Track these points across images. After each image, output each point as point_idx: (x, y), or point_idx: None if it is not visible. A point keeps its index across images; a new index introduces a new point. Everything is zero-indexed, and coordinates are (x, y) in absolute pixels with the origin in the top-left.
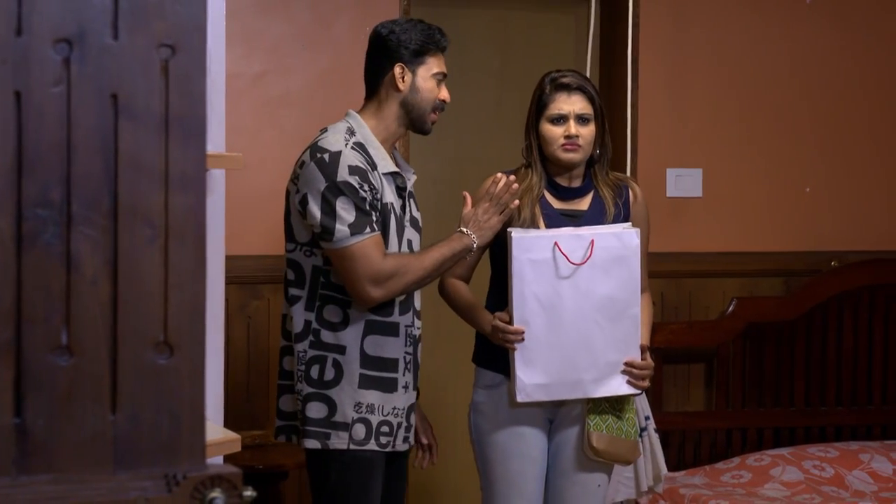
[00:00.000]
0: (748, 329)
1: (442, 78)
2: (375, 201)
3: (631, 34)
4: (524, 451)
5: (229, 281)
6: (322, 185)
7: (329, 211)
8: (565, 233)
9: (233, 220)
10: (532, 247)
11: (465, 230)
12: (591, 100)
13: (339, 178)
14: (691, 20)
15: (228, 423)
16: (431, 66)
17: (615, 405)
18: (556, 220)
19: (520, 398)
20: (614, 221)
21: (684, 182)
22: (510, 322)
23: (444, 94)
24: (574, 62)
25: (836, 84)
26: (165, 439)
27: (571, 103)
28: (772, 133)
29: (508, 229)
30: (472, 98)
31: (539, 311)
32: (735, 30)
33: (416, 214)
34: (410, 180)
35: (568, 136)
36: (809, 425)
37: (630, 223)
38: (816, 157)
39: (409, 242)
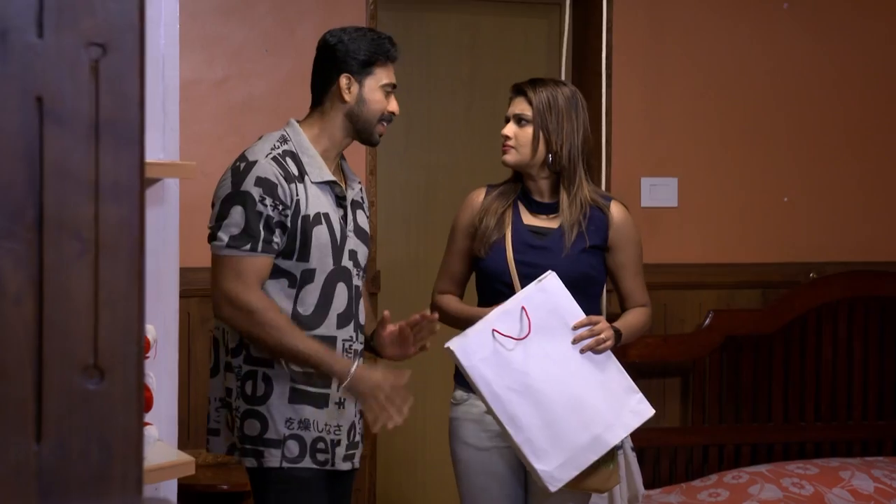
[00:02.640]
0: (725, 342)
1: (391, 89)
2: (283, 217)
3: (605, 40)
4: (490, 468)
5: (191, 294)
6: (226, 191)
7: (221, 216)
8: (495, 315)
9: (193, 230)
10: (475, 348)
11: (355, 367)
12: (528, 101)
13: (242, 188)
14: (666, 26)
15: (193, 441)
16: (380, 77)
17: None
18: (521, 234)
19: (554, 488)
20: (575, 246)
21: (659, 191)
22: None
23: (393, 105)
24: (546, 68)
25: (814, 91)
26: (95, 471)
27: (514, 105)
28: (749, 141)
29: (446, 345)
30: (441, 105)
31: (518, 400)
32: (711, 36)
33: (364, 225)
34: (354, 189)
35: (504, 136)
36: (788, 441)
37: (606, 247)
38: (794, 165)
39: (353, 253)
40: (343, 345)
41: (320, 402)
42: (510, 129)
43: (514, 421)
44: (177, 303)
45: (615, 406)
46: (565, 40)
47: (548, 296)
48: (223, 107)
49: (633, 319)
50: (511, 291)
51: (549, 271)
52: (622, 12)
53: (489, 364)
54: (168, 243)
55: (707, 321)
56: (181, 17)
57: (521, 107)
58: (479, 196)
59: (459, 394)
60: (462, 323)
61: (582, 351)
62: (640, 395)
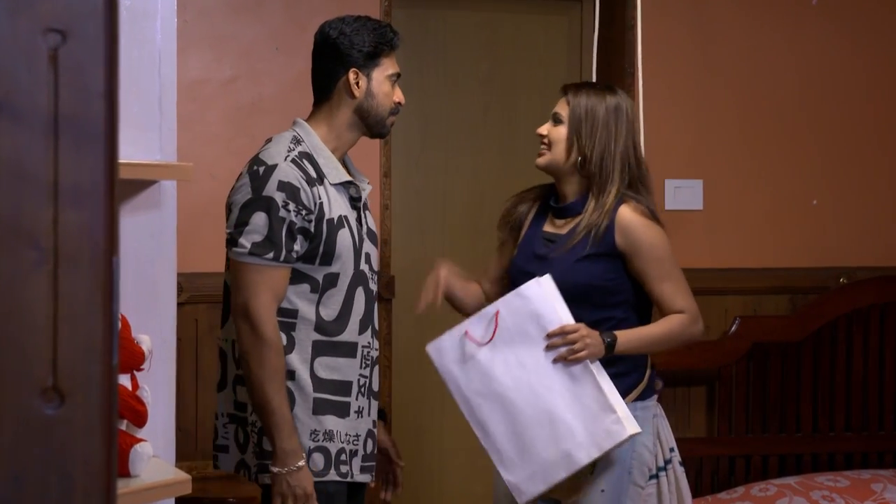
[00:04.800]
0: (752, 350)
1: (396, 79)
2: (306, 223)
3: (628, 39)
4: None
5: (199, 300)
6: (247, 196)
7: (242, 222)
8: (472, 318)
9: (200, 234)
10: (447, 349)
11: (302, 462)
12: (567, 102)
13: (265, 193)
14: (691, 24)
15: (201, 452)
16: (386, 68)
17: None
18: (532, 241)
19: (522, 500)
20: (571, 254)
21: (684, 194)
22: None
23: (399, 95)
24: (566, 67)
25: (844, 91)
26: None
27: (556, 105)
28: (776, 142)
29: (427, 346)
30: (458, 105)
31: (487, 405)
32: (737, 34)
33: (373, 226)
34: (365, 190)
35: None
36: (817, 452)
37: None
38: (823, 167)
39: (368, 256)
40: (362, 351)
41: (343, 411)
42: (546, 126)
43: (483, 426)
44: (174, 311)
45: (589, 423)
46: (595, 38)
47: (525, 301)
48: (232, 107)
49: (652, 327)
50: None
51: (546, 275)
52: (646, 11)
53: (459, 366)
54: (165, 248)
55: (733, 328)
56: (189, 15)
57: (560, 106)
58: (512, 200)
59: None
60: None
61: (554, 361)
62: (617, 416)
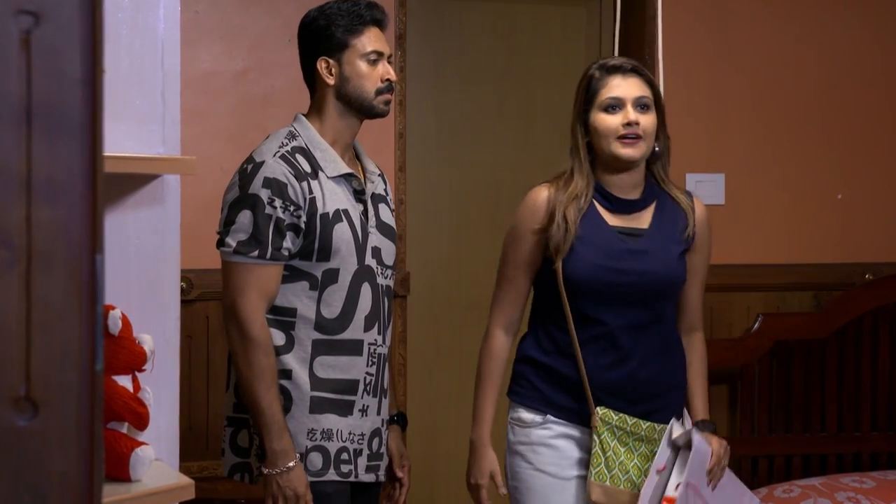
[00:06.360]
0: (775, 348)
1: (376, 57)
2: (295, 219)
3: (649, 31)
4: (570, 499)
5: (210, 297)
6: (235, 195)
7: (229, 221)
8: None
9: (210, 230)
10: None
11: (294, 463)
12: (649, 83)
13: (250, 190)
14: (713, 15)
15: (212, 452)
16: (359, 48)
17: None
18: (608, 237)
19: None
20: (673, 247)
21: (705, 188)
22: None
23: (382, 71)
24: (584, 59)
25: (868, 82)
26: None
27: (629, 86)
28: (800, 135)
29: None
30: (474, 98)
31: None
32: (757, 25)
33: (388, 220)
34: (374, 182)
35: (627, 125)
36: (843, 452)
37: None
38: (848, 160)
39: (377, 251)
40: (368, 349)
41: (344, 409)
42: (634, 114)
43: None
44: (177, 309)
45: None
46: (617, 30)
47: (695, 454)
48: (243, 100)
49: (703, 383)
50: (596, 305)
51: (692, 428)
52: (666, 2)
53: None
54: (167, 245)
55: (756, 325)
56: (200, 6)
57: (641, 89)
58: (543, 193)
59: (529, 416)
60: (476, 388)
61: (715, 486)
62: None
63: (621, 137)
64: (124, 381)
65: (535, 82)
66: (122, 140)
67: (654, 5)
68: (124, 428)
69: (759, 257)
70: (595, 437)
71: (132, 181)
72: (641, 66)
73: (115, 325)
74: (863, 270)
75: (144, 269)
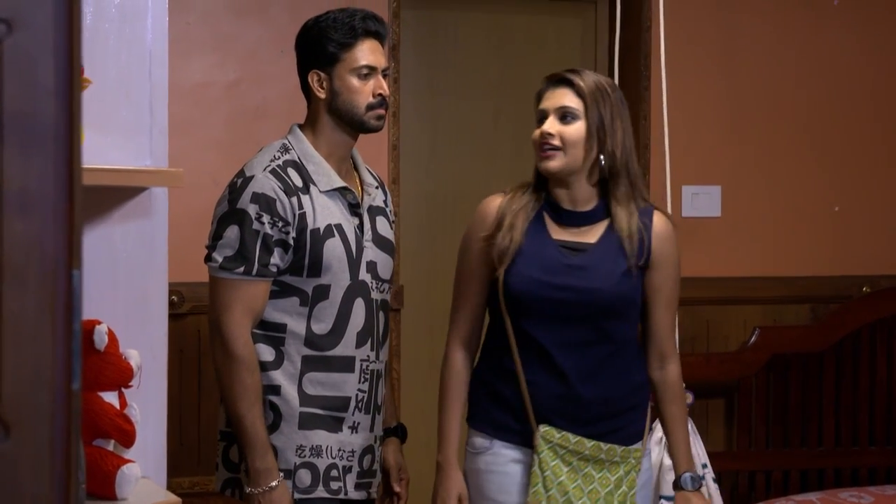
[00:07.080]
0: (772, 361)
1: (368, 71)
2: (283, 234)
3: (644, 41)
4: None
5: (202, 311)
6: (224, 209)
7: (218, 235)
8: None
9: (203, 243)
10: None
11: (277, 482)
12: (579, 93)
13: (238, 205)
14: (709, 29)
15: (203, 467)
16: (350, 62)
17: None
18: (550, 250)
19: None
20: (615, 264)
21: (701, 200)
22: None
23: (373, 86)
24: None
25: (866, 95)
26: None
27: (554, 97)
28: (797, 147)
29: None
30: (468, 109)
31: None
32: (756, 37)
33: (385, 233)
34: (371, 195)
35: (542, 136)
36: (840, 467)
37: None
38: (845, 173)
39: (373, 265)
40: (361, 365)
41: (333, 426)
42: (553, 125)
43: None
44: (165, 324)
45: None
46: (617, 40)
47: None
48: (236, 111)
49: (683, 429)
50: (534, 321)
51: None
52: (664, 15)
53: None
54: (156, 258)
55: (752, 338)
56: (192, 17)
57: (566, 98)
58: (496, 201)
59: (479, 441)
60: (440, 408)
61: None
62: None
63: (540, 147)
64: (111, 398)
65: (530, 94)
66: (108, 152)
67: (649, 17)
68: (110, 445)
69: (756, 270)
70: (535, 456)
71: (119, 193)
72: (581, 77)
73: (101, 340)
74: (860, 283)
75: (131, 283)
